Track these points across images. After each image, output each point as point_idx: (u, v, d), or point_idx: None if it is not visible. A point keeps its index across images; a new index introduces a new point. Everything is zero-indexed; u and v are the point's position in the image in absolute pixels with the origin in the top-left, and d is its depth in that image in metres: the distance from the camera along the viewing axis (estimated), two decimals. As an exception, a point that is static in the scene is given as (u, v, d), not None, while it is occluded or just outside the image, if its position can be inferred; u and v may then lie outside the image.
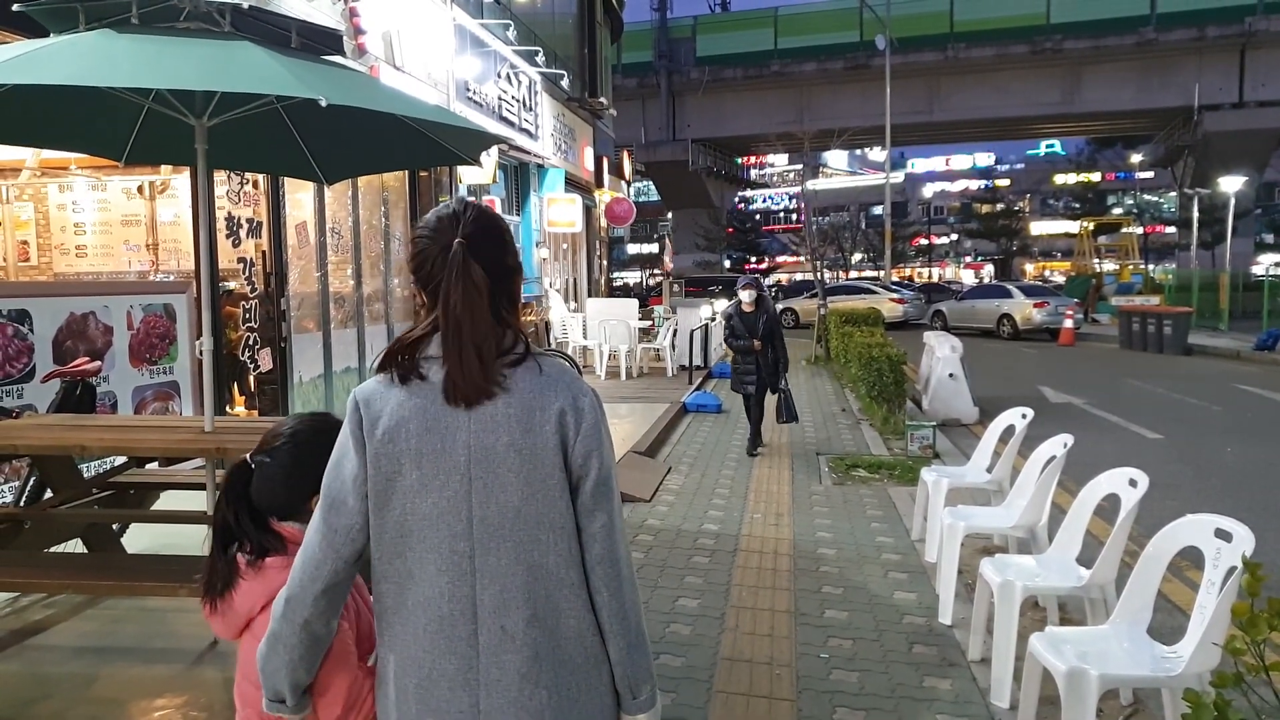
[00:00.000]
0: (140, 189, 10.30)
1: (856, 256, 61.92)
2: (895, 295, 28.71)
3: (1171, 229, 46.64)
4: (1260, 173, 37.07)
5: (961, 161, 73.35)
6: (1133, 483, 3.83)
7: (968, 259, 71.53)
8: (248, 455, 1.92)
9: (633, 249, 70.26)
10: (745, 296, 8.80)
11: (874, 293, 28.42)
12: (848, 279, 35.50)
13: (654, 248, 54.17)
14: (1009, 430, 5.72)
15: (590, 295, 19.57)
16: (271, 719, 1.76)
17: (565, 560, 1.57)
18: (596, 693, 1.61)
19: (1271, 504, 7.09)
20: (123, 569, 3.34)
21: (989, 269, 66.16)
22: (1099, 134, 50.26)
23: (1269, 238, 48.21)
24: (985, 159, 72.30)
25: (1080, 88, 36.57)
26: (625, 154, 23.48)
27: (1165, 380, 15.02)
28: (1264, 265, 40.96)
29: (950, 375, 11.59)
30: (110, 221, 10.54)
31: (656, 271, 45.02)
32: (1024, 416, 5.64)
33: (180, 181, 10.03)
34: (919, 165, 73.19)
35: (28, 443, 3.59)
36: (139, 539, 5.08)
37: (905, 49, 33.86)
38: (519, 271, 1.65)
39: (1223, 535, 3.07)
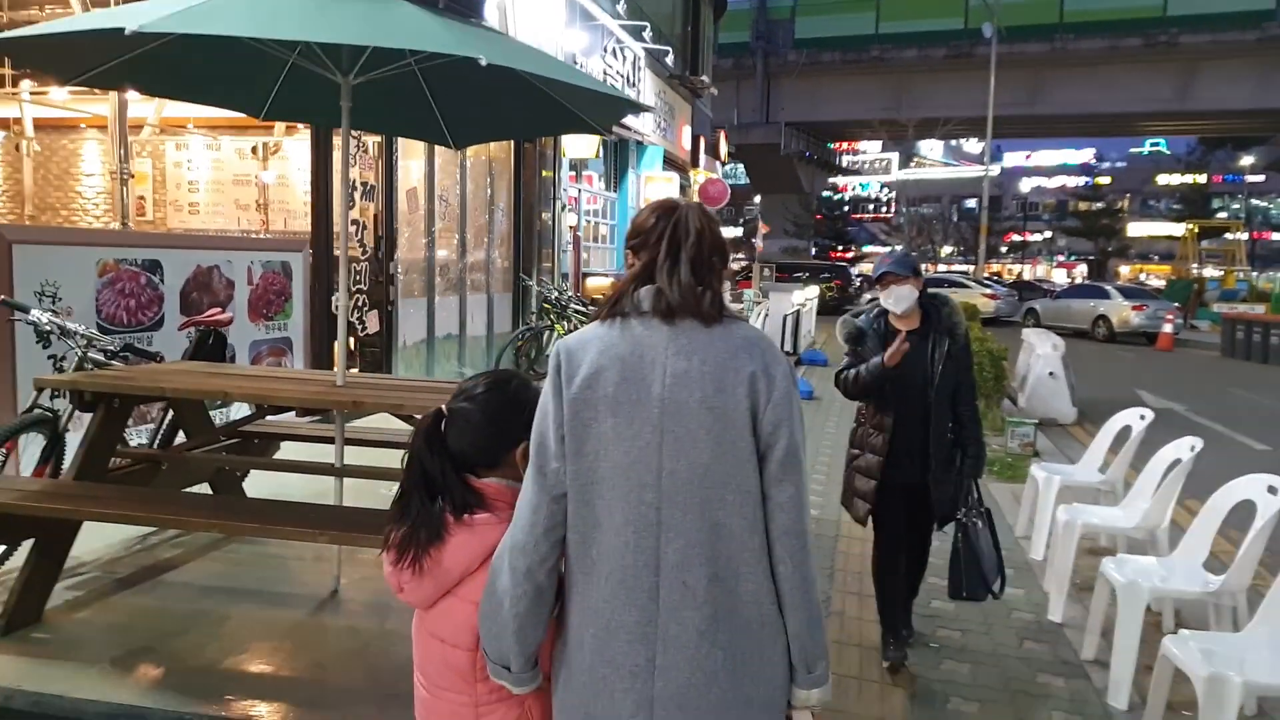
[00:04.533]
0: (254, 150, 10.62)
1: (946, 249, 60.53)
2: (988, 290, 28.00)
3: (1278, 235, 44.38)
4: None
5: (1055, 157, 70.82)
6: (1272, 490, 3.65)
7: (1060, 258, 69.24)
8: (444, 404, 1.86)
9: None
10: (896, 299, 3.60)
11: (966, 287, 27.74)
12: (935, 272, 34.69)
13: (738, 231, 53.81)
14: (1124, 431, 5.52)
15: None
16: (454, 688, 1.75)
17: (749, 525, 1.57)
18: (769, 661, 1.60)
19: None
20: (270, 514, 3.45)
21: (1082, 269, 63.94)
22: (1210, 133, 47.95)
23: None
24: (1083, 155, 69.61)
25: (1194, 84, 34.92)
26: (721, 135, 23.30)
27: (1271, 390, 14.35)
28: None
29: (1050, 374, 11.23)
30: (222, 180, 10.91)
31: (741, 256, 44.83)
32: (1142, 418, 5.43)
33: (290, 144, 10.32)
34: (1009, 159, 70.95)
35: (175, 386, 3.73)
36: (255, 487, 5.26)
37: (1011, 39, 32.74)
38: (727, 250, 1.69)
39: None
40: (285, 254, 7.42)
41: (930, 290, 3.66)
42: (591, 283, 14.84)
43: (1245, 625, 3.69)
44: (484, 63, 2.81)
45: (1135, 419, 5.44)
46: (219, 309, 5.87)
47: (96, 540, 4.50)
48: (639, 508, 1.55)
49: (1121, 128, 45.01)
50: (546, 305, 10.97)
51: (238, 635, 3.73)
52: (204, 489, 4.90)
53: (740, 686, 1.57)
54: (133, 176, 7.85)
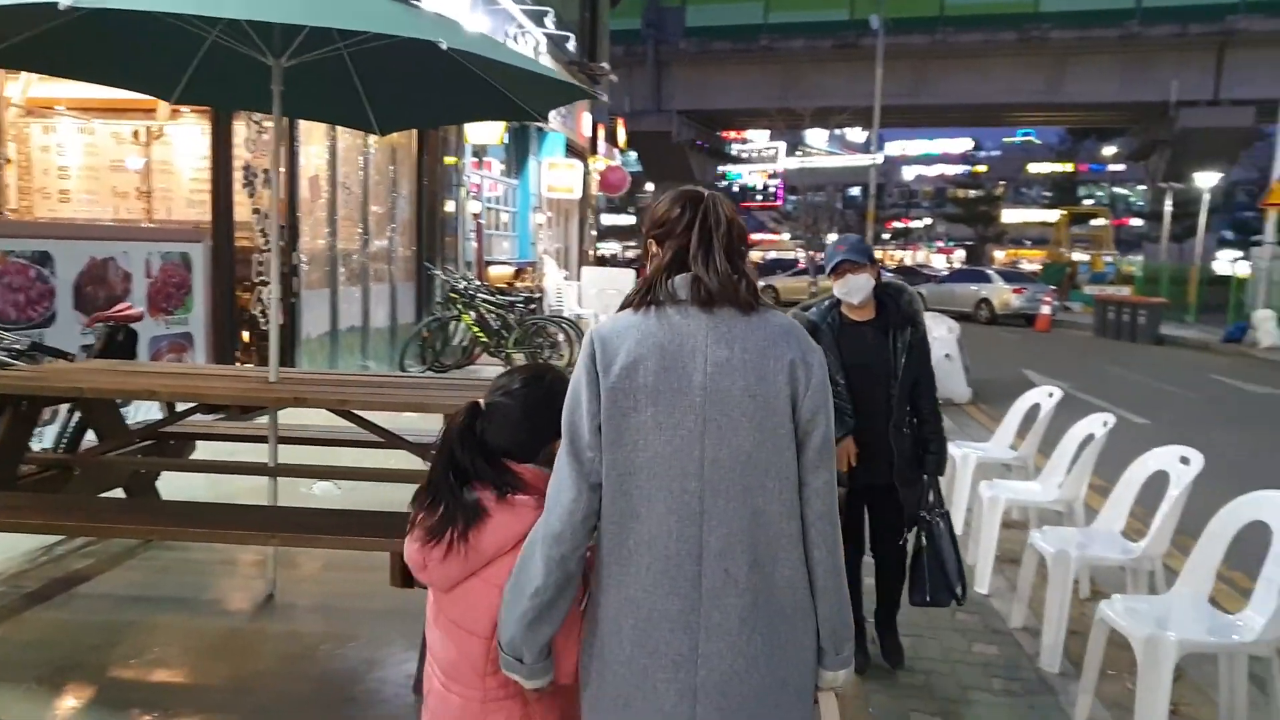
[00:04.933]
0: (135, 134, 10.05)
1: (832, 237, 62.15)
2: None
3: (1139, 221, 47.31)
4: (1229, 170, 37.65)
5: (936, 146, 73.61)
6: (1184, 460, 3.92)
7: (940, 243, 72.07)
8: (480, 399, 1.87)
9: (607, 220, 69.97)
10: (852, 289, 3.40)
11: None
12: (821, 259, 35.63)
13: (630, 219, 53.86)
14: (1033, 410, 5.81)
15: (581, 264, 19.47)
16: (464, 681, 1.75)
17: (787, 511, 1.59)
18: (801, 645, 1.64)
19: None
20: (213, 518, 3.29)
21: (960, 254, 66.76)
22: (1078, 124, 50.62)
23: (1229, 234, 49.13)
24: (962, 145, 72.61)
25: (1064, 78, 36.74)
26: (619, 122, 23.32)
27: (1143, 368, 15.32)
28: (1224, 260, 41.71)
29: (946, 356, 11.69)
30: (97, 166, 10.26)
31: (633, 244, 44.90)
32: (1050, 395, 5.73)
33: (175, 129, 9.80)
34: (891, 148, 73.34)
35: (94, 385, 3.52)
36: (167, 489, 5.00)
37: (895, 30, 33.79)
38: (748, 238, 1.72)
39: (1285, 510, 3.15)
40: (185, 245, 7.07)
41: (886, 279, 3.50)
42: (495, 271, 14.66)
43: (1161, 589, 3.97)
44: (444, 46, 2.74)
45: (1044, 397, 5.73)
46: (128, 304, 5.55)
47: (-5, 553, 4.22)
48: (681, 496, 1.56)
49: (998, 118, 47.04)
50: (454, 295, 10.78)
51: (170, 646, 3.57)
52: (118, 493, 4.64)
53: (777, 671, 1.60)
54: (10, 161, 7.33)
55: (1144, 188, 47.47)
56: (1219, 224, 46.49)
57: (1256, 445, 9.11)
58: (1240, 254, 39.28)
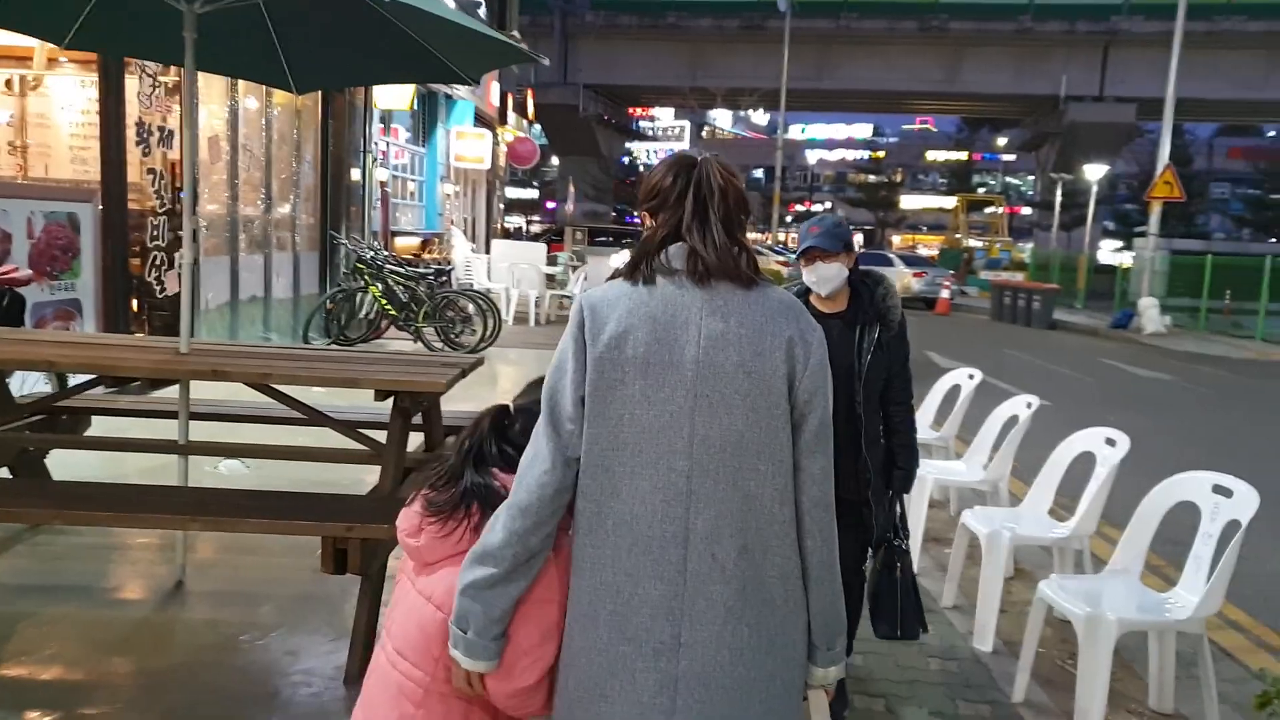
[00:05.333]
0: (8, 84, 9.30)
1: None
2: (781, 258, 29.42)
3: (1028, 210, 49.33)
4: (1113, 163, 39.60)
5: (834, 131, 75.07)
6: (1110, 441, 4.04)
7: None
8: (510, 402, 1.82)
9: (511, 193, 69.01)
10: (822, 279, 2.97)
11: (761, 254, 28.96)
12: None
13: (533, 193, 53.21)
14: (952, 391, 5.93)
15: (490, 237, 19.11)
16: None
17: (780, 496, 1.52)
18: (791, 638, 1.57)
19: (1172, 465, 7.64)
20: (126, 501, 3.03)
21: (859, 238, 68.44)
22: (974, 114, 52.40)
23: (1111, 225, 51.78)
24: (864, 130, 74.31)
25: (961, 68, 37.90)
26: (529, 93, 22.90)
27: (1039, 351, 15.98)
28: (1107, 250, 44.05)
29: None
30: (-40, 118, 9.47)
31: (537, 219, 44.40)
32: (970, 378, 5.85)
33: (55, 80, 9.11)
34: (794, 132, 74.55)
35: (-18, 354, 3.19)
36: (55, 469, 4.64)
37: (801, 14, 34.18)
38: (749, 205, 1.63)
39: (1221, 491, 3.27)
40: (72, 205, 6.57)
41: (863, 267, 3.05)
42: (400, 242, 14.23)
43: (1087, 569, 4.10)
44: (392, -4, 2.55)
45: (964, 379, 5.86)
46: (13, 265, 5.11)
47: None
48: (668, 475, 1.48)
49: (898, 105, 48.29)
50: (360, 265, 10.39)
51: (71, 641, 3.29)
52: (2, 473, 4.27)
53: (764, 664, 1.52)
54: None
55: (1034, 178, 49.46)
56: (1102, 215, 48.95)
57: (1147, 427, 9.58)
58: (1122, 244, 41.48)
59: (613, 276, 1.59)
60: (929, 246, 52.43)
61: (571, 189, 29.01)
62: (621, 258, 16.44)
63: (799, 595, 1.56)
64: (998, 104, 43.31)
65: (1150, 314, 19.44)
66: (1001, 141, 50.47)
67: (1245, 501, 3.15)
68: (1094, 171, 27.60)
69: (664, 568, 1.48)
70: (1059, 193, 33.28)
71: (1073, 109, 36.98)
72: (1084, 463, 4.13)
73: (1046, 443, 4.71)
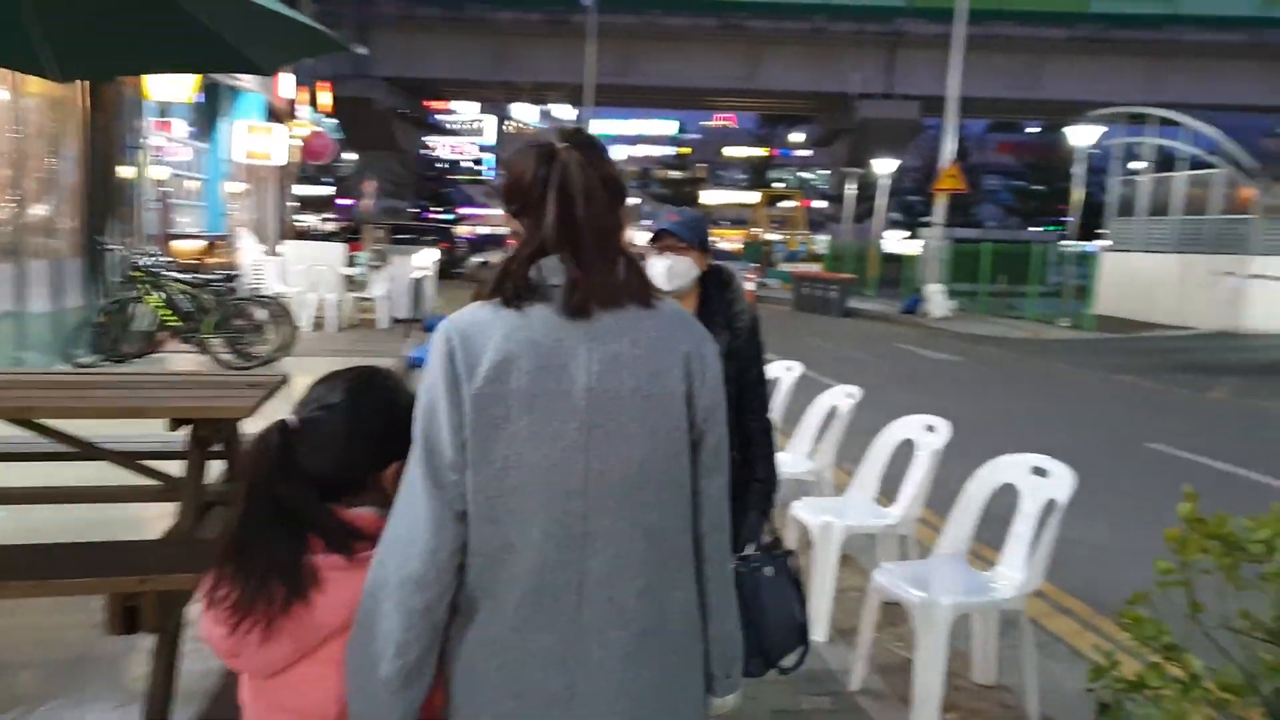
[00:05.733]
0: None
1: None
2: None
3: (823, 204, 51.95)
4: (901, 157, 42.41)
5: (639, 127, 76.36)
6: (930, 428, 4.22)
7: (645, 223, 75.12)
8: (289, 415, 1.48)
9: (301, 190, 65.77)
10: (671, 273, 2.61)
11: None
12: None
13: (326, 190, 50.87)
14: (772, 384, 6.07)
15: (282, 237, 18.03)
16: None
17: (681, 525, 1.42)
18: (694, 672, 1.48)
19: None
20: None
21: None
22: (773, 111, 54.71)
23: (898, 216, 55.49)
24: (667, 127, 75.91)
25: (761, 66, 39.45)
26: (325, 86, 21.80)
27: (838, 339, 16.87)
28: (892, 240, 47.13)
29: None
30: None
31: (331, 216, 42.47)
32: (788, 369, 6.01)
33: None
34: (599, 127, 75.22)
35: None
36: None
37: (604, 9, 34.47)
38: (625, 195, 1.45)
39: (1039, 472, 3.46)
40: None
41: (715, 264, 2.73)
42: (181, 246, 13.16)
43: (911, 554, 4.25)
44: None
45: (783, 370, 6.00)
46: None
47: None
48: (562, 518, 1.33)
49: (701, 102, 49.69)
50: (136, 273, 9.48)
51: None
52: None
53: (666, 706, 1.42)
54: None
55: (827, 172, 52.19)
56: (891, 206, 52.40)
57: (942, 406, 10.24)
58: (908, 234, 44.52)
59: (476, 296, 1.40)
60: (730, 241, 54.42)
61: (369, 185, 27.87)
62: (428, 256, 15.95)
63: (699, 628, 1.46)
64: (795, 101, 45.41)
65: (936, 299, 20.93)
66: (798, 138, 53.00)
67: (1061, 481, 3.35)
68: (883, 166, 29.44)
69: (555, 618, 1.34)
70: (850, 186, 35.27)
71: (863, 106, 39.28)
72: (906, 449, 4.29)
73: (858, 428, 4.90)
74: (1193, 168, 20.18)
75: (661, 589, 1.40)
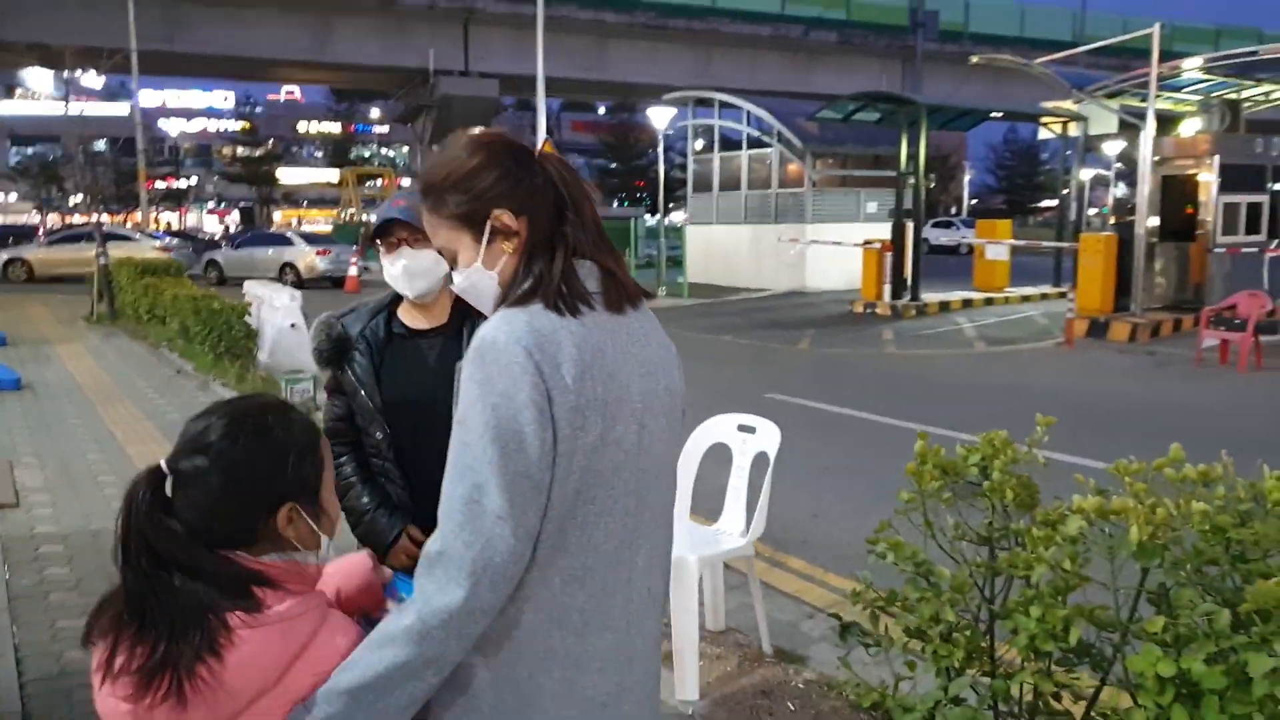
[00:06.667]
0: None
1: (77, 199, 54.90)
2: (159, 243, 26.83)
3: (408, 181, 51.50)
4: (486, 135, 43.22)
5: (201, 99, 69.64)
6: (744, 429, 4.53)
7: (212, 205, 68.97)
8: (162, 461, 1.31)
9: None
10: (411, 273, 2.25)
11: (132, 240, 25.95)
12: (89, 224, 31.57)
13: None
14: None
15: None
16: None
17: (673, 512, 1.55)
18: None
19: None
20: None
21: (235, 216, 65.00)
22: (348, 86, 52.71)
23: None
24: (228, 99, 69.80)
25: (332, 37, 37.71)
26: None
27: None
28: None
29: (292, 325, 11.48)
30: None
31: None
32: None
33: None
34: (146, 99, 67.27)
35: None
36: None
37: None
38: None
39: (746, 429, 3.90)
40: None
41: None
42: None
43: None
44: None
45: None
46: None
47: None
48: (623, 518, 1.37)
49: (266, 73, 46.32)
50: None
51: None
52: None
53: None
54: None
55: (411, 149, 51.73)
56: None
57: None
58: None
59: (502, 303, 1.37)
60: (314, 222, 51.87)
61: None
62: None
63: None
64: (371, 75, 44.15)
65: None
66: (376, 113, 51.66)
67: (768, 435, 3.81)
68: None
69: (612, 617, 1.38)
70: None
71: (443, 83, 39.32)
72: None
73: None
74: (752, 147, 23.06)
75: (668, 574, 1.54)
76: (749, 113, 22.51)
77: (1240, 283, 13.31)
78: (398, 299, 2.36)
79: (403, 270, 2.23)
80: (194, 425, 1.35)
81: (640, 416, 1.38)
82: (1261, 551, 2.04)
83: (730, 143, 24.19)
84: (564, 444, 1.29)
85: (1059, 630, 2.21)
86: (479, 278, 1.41)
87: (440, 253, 1.46)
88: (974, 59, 18.72)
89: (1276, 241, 15.42)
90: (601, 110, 67.96)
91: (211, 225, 60.17)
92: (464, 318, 2.28)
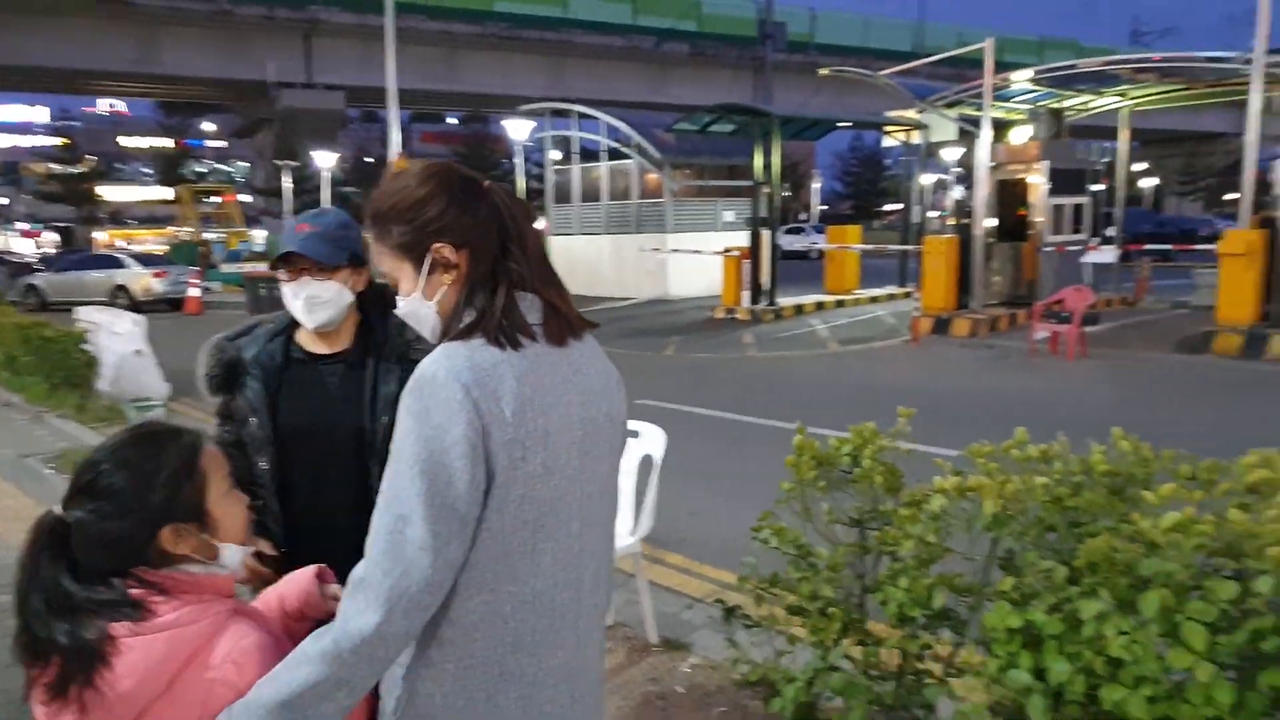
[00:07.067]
0: None
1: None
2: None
3: (249, 197, 49.52)
4: (333, 149, 42.04)
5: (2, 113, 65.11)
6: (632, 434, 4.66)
7: (23, 226, 64.50)
8: (58, 507, 1.39)
9: None
10: (311, 304, 2.14)
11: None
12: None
13: None
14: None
15: None
16: None
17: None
18: None
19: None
20: None
21: (53, 237, 61.07)
22: (179, 99, 50.30)
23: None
24: (39, 114, 65.51)
25: (160, 48, 35.89)
26: None
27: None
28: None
29: (137, 351, 11.01)
30: None
31: None
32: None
33: None
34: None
35: None
36: None
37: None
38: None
39: (630, 434, 4.08)
40: None
41: (379, 282, 2.11)
42: None
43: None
44: None
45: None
46: None
47: None
48: (567, 540, 1.44)
49: (84, 86, 43.70)
50: None
51: None
52: None
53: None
54: None
55: (251, 165, 49.81)
56: (336, 199, 51.84)
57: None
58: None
59: (454, 337, 1.41)
60: (143, 242, 49.23)
61: None
62: None
63: None
64: (205, 88, 42.34)
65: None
66: (210, 127, 49.49)
67: (653, 439, 4.02)
68: (324, 158, 29.15)
69: (564, 634, 1.45)
70: (287, 179, 34.21)
71: (285, 95, 38.07)
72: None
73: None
74: (611, 158, 23.39)
75: (611, 587, 1.61)
76: (606, 124, 22.84)
77: (1067, 279, 14.51)
78: (290, 325, 2.27)
79: (305, 301, 2.14)
80: (78, 467, 1.43)
81: (581, 444, 1.44)
82: (1092, 516, 2.36)
83: (589, 153, 24.44)
84: (501, 475, 1.34)
85: (924, 598, 2.48)
86: (418, 306, 1.47)
87: (383, 277, 1.54)
88: (822, 71, 19.64)
89: (1097, 240, 16.88)
90: (454, 121, 67.28)
91: (22, 247, 56.25)
92: (367, 342, 2.22)
